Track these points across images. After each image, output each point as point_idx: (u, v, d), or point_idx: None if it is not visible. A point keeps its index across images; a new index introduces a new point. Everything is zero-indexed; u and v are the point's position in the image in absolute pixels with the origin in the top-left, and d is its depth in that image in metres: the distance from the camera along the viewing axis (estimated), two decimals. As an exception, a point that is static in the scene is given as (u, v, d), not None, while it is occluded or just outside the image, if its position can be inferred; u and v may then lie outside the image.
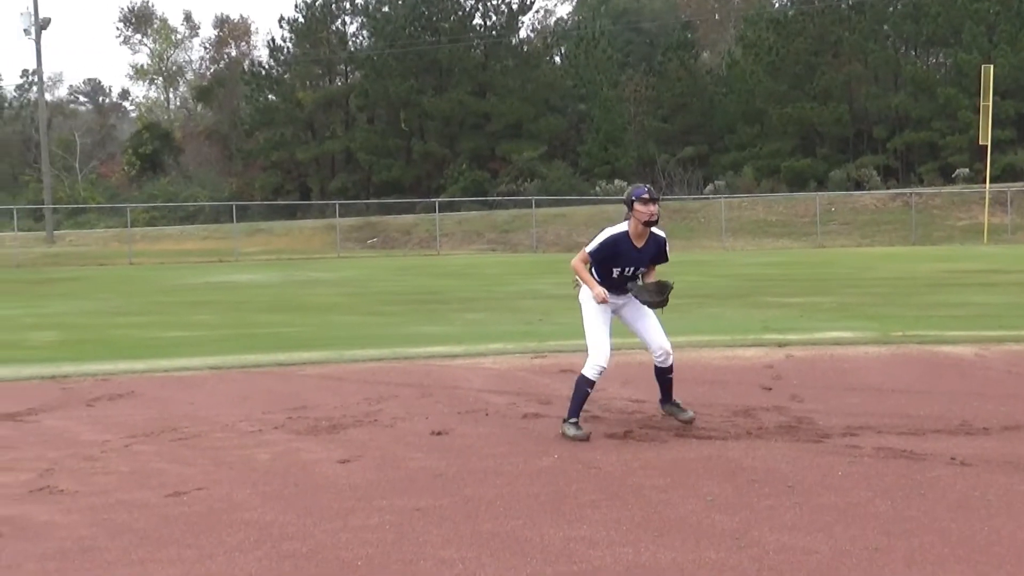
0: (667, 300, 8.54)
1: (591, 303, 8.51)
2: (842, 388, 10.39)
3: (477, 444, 8.18)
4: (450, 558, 5.55)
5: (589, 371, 8.44)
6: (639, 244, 8.45)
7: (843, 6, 76.68)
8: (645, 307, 8.66)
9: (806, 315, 17.21)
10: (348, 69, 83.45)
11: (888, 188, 65.39)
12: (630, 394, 10.08)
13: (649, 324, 8.76)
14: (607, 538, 5.83)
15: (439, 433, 8.60)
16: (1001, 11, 71.92)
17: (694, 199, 62.91)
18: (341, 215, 56.66)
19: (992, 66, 53.65)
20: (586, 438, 8.32)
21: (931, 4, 74.03)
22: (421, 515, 6.36)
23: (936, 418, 8.82)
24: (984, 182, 53.32)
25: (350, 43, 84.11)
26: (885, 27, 76.66)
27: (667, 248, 8.75)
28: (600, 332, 8.54)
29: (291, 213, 68.54)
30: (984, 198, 51.70)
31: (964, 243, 48.86)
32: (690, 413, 8.87)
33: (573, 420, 8.49)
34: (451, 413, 9.42)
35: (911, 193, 58.44)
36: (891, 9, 76.15)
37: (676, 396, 8.92)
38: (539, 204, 56.68)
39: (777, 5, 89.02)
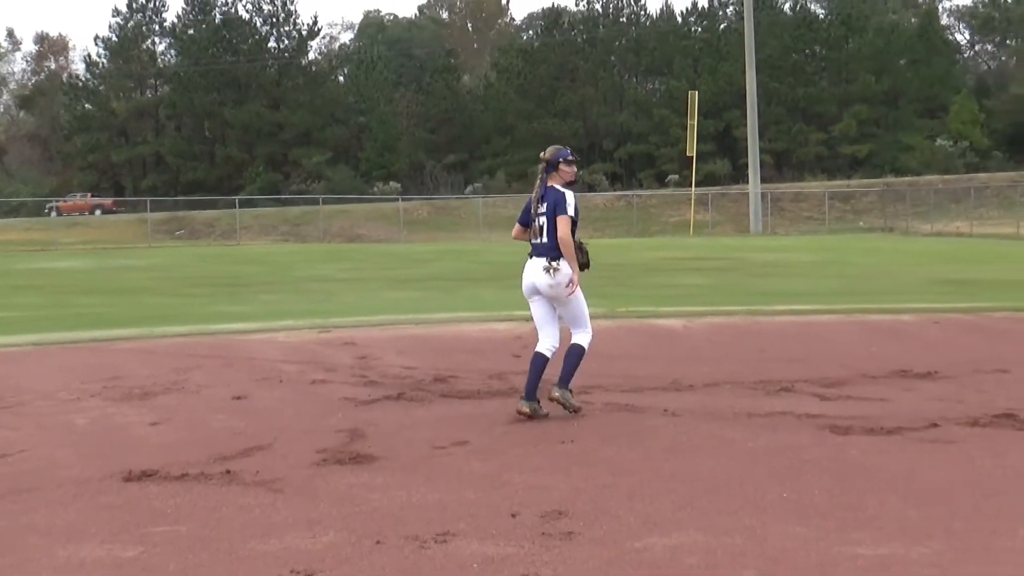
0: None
1: (579, 287, 7.41)
2: (578, 354, 10.58)
3: (272, 406, 8.02)
4: (247, 504, 5.44)
5: (588, 342, 7.47)
6: None
7: (579, 40, 78.57)
8: None
9: (549, 295, 17.45)
10: (157, 83, 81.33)
11: (614, 190, 67.34)
12: (403, 362, 10.06)
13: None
14: (384, 483, 5.81)
15: (239, 398, 8.39)
16: (704, 47, 75.06)
17: (456, 198, 63.50)
18: (151, 211, 54.79)
19: (697, 92, 55.72)
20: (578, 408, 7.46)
21: (649, 39, 76.76)
22: (222, 466, 6.21)
23: (652, 378, 9.08)
24: (690, 186, 55.34)
25: (159, 60, 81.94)
26: (612, 58, 78.94)
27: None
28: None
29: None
30: (691, 199, 53.64)
31: (675, 235, 50.59)
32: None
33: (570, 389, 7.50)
34: (249, 380, 9.21)
35: (633, 195, 60.20)
36: (617, 43, 78.32)
37: (438, 364, 8.62)
38: (325, 202, 56.55)
39: (525, 37, 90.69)
